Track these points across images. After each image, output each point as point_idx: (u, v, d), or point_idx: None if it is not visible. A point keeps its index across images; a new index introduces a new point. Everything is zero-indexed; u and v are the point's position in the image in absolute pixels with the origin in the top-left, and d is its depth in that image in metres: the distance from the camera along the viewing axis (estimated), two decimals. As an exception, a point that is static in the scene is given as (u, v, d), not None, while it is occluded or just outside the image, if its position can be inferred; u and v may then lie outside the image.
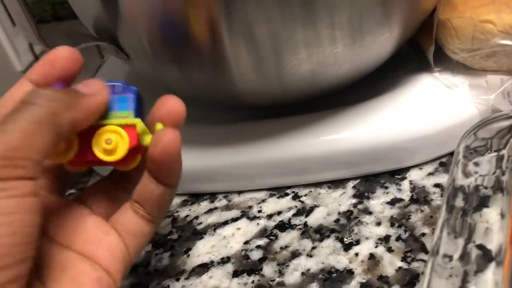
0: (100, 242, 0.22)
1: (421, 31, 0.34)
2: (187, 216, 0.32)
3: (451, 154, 0.32)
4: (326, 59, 0.28)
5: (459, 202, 0.25)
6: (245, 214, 0.31)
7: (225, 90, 0.31)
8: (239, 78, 0.29)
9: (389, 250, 0.27)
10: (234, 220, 0.31)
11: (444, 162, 0.31)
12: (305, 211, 0.30)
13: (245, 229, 0.30)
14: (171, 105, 0.23)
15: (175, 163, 0.22)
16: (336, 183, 0.32)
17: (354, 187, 0.31)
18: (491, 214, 0.24)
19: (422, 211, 0.28)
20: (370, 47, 0.29)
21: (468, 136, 0.26)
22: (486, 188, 0.24)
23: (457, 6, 0.32)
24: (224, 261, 0.28)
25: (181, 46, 0.28)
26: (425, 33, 0.34)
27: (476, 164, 0.26)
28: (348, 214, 0.29)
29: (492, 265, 0.21)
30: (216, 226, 0.30)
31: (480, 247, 0.22)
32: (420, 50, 0.35)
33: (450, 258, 0.22)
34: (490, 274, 0.21)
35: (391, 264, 0.26)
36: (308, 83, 0.30)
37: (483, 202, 0.24)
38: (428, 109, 0.31)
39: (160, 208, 0.23)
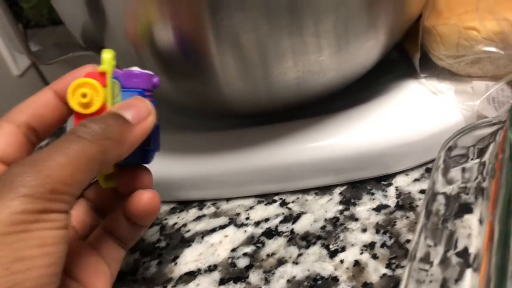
0: (97, 271, 0.23)
1: (407, 38, 0.34)
2: (175, 223, 0.32)
3: (437, 160, 0.32)
4: (312, 67, 0.28)
5: (439, 208, 0.25)
6: (233, 221, 0.31)
7: (213, 98, 0.31)
8: (226, 86, 0.29)
9: (374, 257, 0.27)
10: (222, 227, 0.31)
11: (430, 168, 0.32)
12: (292, 218, 0.30)
13: (232, 237, 0.30)
14: (146, 202, 0.24)
15: (154, 215, 0.24)
16: (323, 190, 0.32)
17: (341, 193, 0.31)
18: (472, 221, 0.24)
19: (408, 217, 0.29)
20: (355, 54, 0.29)
21: (449, 143, 0.26)
22: (467, 194, 0.25)
23: (442, 13, 0.32)
24: (211, 269, 0.28)
25: (168, 55, 0.28)
26: (411, 40, 0.34)
27: (458, 171, 0.26)
28: (334, 221, 0.29)
29: (470, 270, 0.22)
30: (204, 234, 0.31)
31: (460, 253, 0.23)
32: (407, 56, 0.36)
33: (431, 264, 0.23)
34: (468, 279, 0.22)
35: (375, 271, 0.26)
36: (294, 91, 0.30)
37: (464, 209, 0.24)
38: (414, 115, 0.31)
39: (131, 239, 0.25)
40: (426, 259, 0.23)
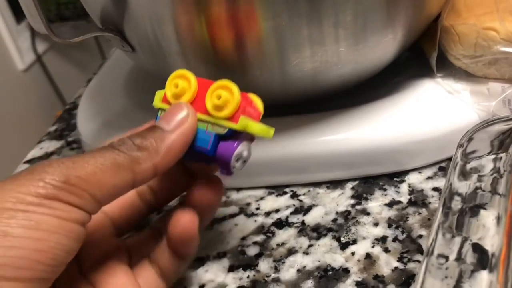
0: None
1: (424, 37, 0.34)
2: (185, 210, 0.32)
3: (450, 159, 0.32)
4: (330, 58, 0.28)
5: (456, 204, 0.25)
6: (243, 211, 0.31)
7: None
8: (241, 73, 0.29)
9: (386, 250, 0.27)
10: (232, 216, 0.31)
11: (444, 167, 0.31)
12: (303, 209, 0.30)
13: (242, 226, 0.30)
14: (184, 224, 0.23)
15: (192, 242, 0.23)
16: (335, 184, 0.32)
17: (352, 188, 0.31)
18: (488, 218, 0.24)
19: (420, 213, 0.28)
20: (373, 48, 0.29)
21: (466, 139, 0.26)
22: (483, 190, 0.25)
23: (461, 13, 0.32)
24: (220, 255, 0.28)
25: (186, 39, 0.28)
26: (428, 39, 0.34)
27: (474, 166, 0.26)
28: (345, 214, 0.29)
29: (488, 265, 0.22)
30: (214, 222, 0.30)
31: (476, 246, 0.22)
32: (421, 56, 0.36)
33: (446, 258, 0.22)
34: (485, 274, 0.21)
35: (387, 264, 0.26)
36: (310, 82, 0.30)
37: (481, 205, 0.24)
38: (429, 113, 0.31)
39: (173, 273, 0.24)
40: (442, 255, 0.23)
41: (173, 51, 0.30)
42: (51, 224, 0.18)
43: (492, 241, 0.23)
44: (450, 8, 0.33)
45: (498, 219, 0.24)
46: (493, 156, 0.25)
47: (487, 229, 0.23)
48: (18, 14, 1.81)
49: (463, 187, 0.25)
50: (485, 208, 0.24)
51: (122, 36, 0.30)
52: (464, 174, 0.25)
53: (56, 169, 0.19)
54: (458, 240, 0.23)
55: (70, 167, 0.19)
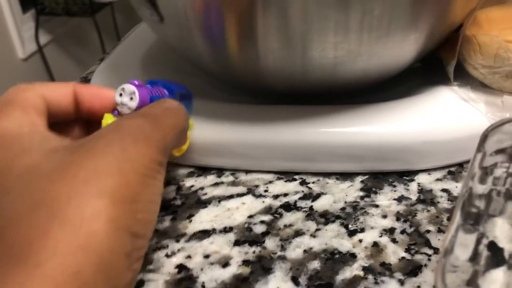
0: None
1: (443, 46, 0.35)
2: (192, 186, 0.31)
3: (460, 165, 0.32)
4: (353, 48, 0.29)
5: (473, 208, 0.25)
6: (251, 191, 0.31)
7: (249, 67, 0.31)
8: (264, 54, 0.30)
9: (393, 241, 0.27)
10: (240, 195, 0.30)
11: (453, 171, 0.32)
12: (312, 196, 0.30)
13: (250, 205, 0.30)
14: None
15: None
16: (345, 176, 0.32)
17: (362, 181, 0.31)
18: (504, 225, 0.24)
19: (429, 210, 0.28)
20: (396, 45, 0.30)
21: (490, 134, 0.26)
22: (499, 193, 0.25)
23: (482, 25, 0.33)
24: (226, 230, 0.28)
25: (214, 14, 0.29)
26: (447, 48, 0.35)
27: (491, 169, 0.26)
28: (354, 205, 0.29)
29: (504, 267, 0.22)
30: (221, 199, 0.30)
31: (492, 246, 0.22)
32: (437, 65, 0.36)
33: (461, 256, 0.22)
34: (501, 272, 0.21)
35: (394, 253, 0.26)
36: (331, 72, 0.31)
37: (497, 208, 0.24)
38: (443, 117, 0.32)
39: None
40: (460, 254, 0.23)
41: (199, 27, 0.30)
42: (161, 188, 0.22)
43: (508, 240, 0.23)
44: (472, 21, 0.34)
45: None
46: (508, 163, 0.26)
47: (502, 231, 0.23)
48: (25, 3, 1.81)
49: (480, 189, 0.25)
50: (500, 214, 0.24)
51: (152, 4, 0.30)
52: (483, 176, 0.26)
53: (159, 134, 0.22)
54: (473, 238, 0.23)
55: (165, 133, 0.23)
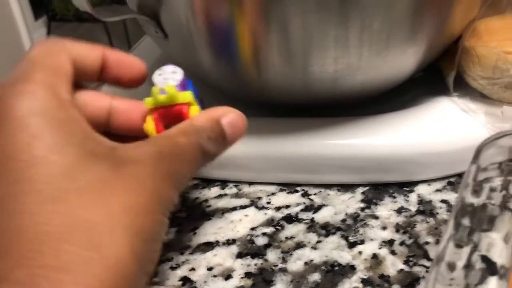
0: None
1: (443, 57, 0.35)
2: (197, 198, 0.32)
3: (459, 175, 0.33)
4: (353, 62, 0.29)
5: (466, 220, 0.25)
6: (254, 203, 0.31)
7: (252, 82, 0.32)
8: (266, 70, 0.30)
9: (392, 252, 0.27)
10: (243, 207, 0.31)
11: (453, 182, 0.32)
12: (313, 208, 0.31)
13: (252, 217, 0.30)
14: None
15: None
16: (346, 187, 0.32)
17: (363, 193, 0.32)
18: (497, 237, 0.24)
19: (428, 222, 0.29)
20: (396, 58, 0.31)
21: (480, 151, 0.27)
22: (493, 205, 0.25)
23: (482, 36, 0.33)
24: (229, 242, 0.29)
25: (216, 31, 0.29)
26: (447, 59, 0.35)
27: (486, 181, 0.26)
28: (355, 216, 0.30)
29: (497, 273, 0.22)
30: (225, 211, 0.31)
31: (485, 259, 0.23)
32: (437, 76, 0.37)
33: (453, 268, 0.23)
34: (493, 283, 0.22)
35: (393, 265, 0.26)
36: (332, 85, 0.31)
37: (491, 222, 0.25)
38: (442, 128, 0.32)
39: None
40: (451, 264, 0.23)
41: (202, 42, 0.31)
42: None
43: (500, 254, 0.23)
44: (472, 31, 0.34)
45: (507, 235, 0.24)
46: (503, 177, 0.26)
47: (495, 244, 0.24)
48: (37, 10, 1.84)
49: (475, 201, 0.26)
50: (494, 226, 0.24)
51: (156, 21, 0.31)
52: (476, 190, 0.26)
53: None
54: (466, 250, 0.24)
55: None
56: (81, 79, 0.24)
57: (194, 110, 0.25)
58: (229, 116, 0.24)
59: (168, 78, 0.25)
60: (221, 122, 0.24)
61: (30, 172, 0.18)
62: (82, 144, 0.19)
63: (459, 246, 0.24)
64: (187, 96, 0.25)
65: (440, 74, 0.37)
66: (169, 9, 0.30)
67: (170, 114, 0.25)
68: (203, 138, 0.23)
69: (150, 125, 0.24)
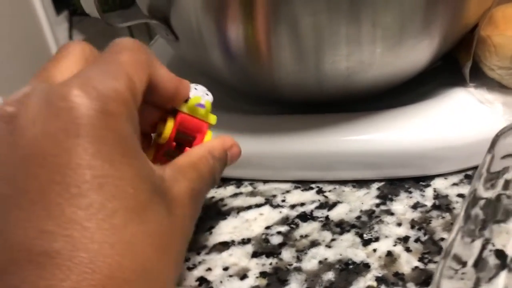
0: None
1: (459, 46, 0.35)
2: (213, 197, 0.33)
3: (476, 168, 0.32)
4: (365, 58, 0.29)
5: (478, 212, 0.25)
6: (269, 201, 0.32)
7: (264, 81, 0.32)
8: (278, 69, 0.30)
9: (407, 250, 0.27)
10: (258, 206, 0.32)
11: (470, 175, 0.32)
12: (328, 205, 0.31)
13: (267, 215, 0.31)
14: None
15: None
16: (361, 183, 0.32)
17: (378, 188, 0.32)
18: (510, 226, 0.24)
19: (444, 217, 0.29)
20: (409, 52, 0.30)
21: (495, 142, 0.26)
22: (509, 197, 0.25)
23: (499, 24, 0.33)
24: (244, 241, 0.29)
25: (226, 32, 0.30)
26: (463, 49, 0.34)
27: (501, 174, 0.26)
28: (370, 213, 0.30)
29: (505, 271, 0.22)
30: (240, 210, 0.31)
31: (498, 253, 0.23)
32: (453, 65, 0.36)
33: (464, 264, 0.23)
34: (503, 278, 0.22)
35: (407, 263, 0.26)
36: (344, 82, 0.31)
37: (504, 214, 0.24)
38: (459, 120, 0.32)
39: None
40: (460, 258, 0.23)
41: (213, 43, 0.31)
42: None
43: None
44: (488, 19, 0.33)
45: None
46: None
47: (509, 236, 0.24)
48: (59, 5, 1.86)
49: (488, 193, 0.26)
50: (508, 219, 0.24)
51: (167, 25, 0.31)
52: (490, 180, 0.26)
53: None
54: (478, 244, 0.23)
55: None
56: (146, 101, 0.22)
57: (209, 135, 0.26)
58: (233, 149, 0.26)
59: (206, 95, 0.26)
60: (227, 153, 0.25)
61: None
62: (148, 177, 0.18)
63: (470, 239, 0.24)
64: (214, 119, 0.27)
65: (458, 64, 0.36)
66: (179, 12, 0.30)
67: (190, 125, 0.25)
68: (217, 165, 0.24)
69: (168, 127, 0.24)
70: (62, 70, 0.19)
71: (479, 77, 0.34)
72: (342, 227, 0.29)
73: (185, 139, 0.26)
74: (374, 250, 0.27)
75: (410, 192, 0.31)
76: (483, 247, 0.23)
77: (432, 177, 0.32)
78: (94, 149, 0.16)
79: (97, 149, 0.16)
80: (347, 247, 0.28)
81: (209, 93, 0.26)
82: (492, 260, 0.23)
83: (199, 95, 0.25)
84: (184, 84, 0.24)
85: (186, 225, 0.20)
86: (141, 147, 0.19)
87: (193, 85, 0.26)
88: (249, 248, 0.28)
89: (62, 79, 0.18)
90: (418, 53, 0.31)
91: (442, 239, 0.27)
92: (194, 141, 0.26)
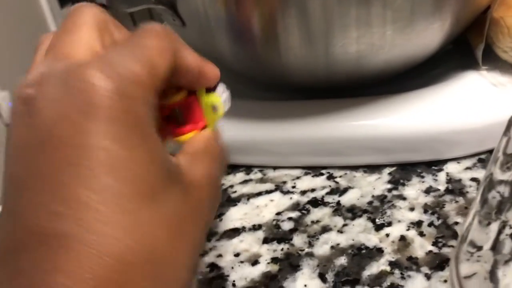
0: None
1: (471, 29, 0.34)
2: (222, 184, 0.32)
3: (490, 152, 0.32)
4: (376, 41, 0.29)
5: (495, 195, 0.25)
6: (279, 188, 0.31)
7: (272, 65, 0.32)
8: (287, 52, 0.30)
9: (421, 234, 0.27)
10: (268, 192, 0.31)
11: (483, 159, 0.31)
12: (339, 191, 0.30)
13: (278, 202, 0.30)
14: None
15: None
16: (372, 168, 0.32)
17: (390, 173, 0.31)
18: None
19: (457, 201, 0.28)
20: (420, 34, 0.29)
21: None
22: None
23: (511, 5, 0.32)
24: (255, 228, 0.29)
25: (234, 17, 0.29)
26: (475, 31, 0.34)
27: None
28: (381, 198, 0.29)
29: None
30: (250, 196, 0.31)
31: (514, 237, 0.22)
32: (466, 48, 0.35)
33: (480, 248, 0.22)
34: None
35: (421, 247, 0.26)
36: (354, 66, 0.31)
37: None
38: (471, 104, 0.31)
39: None
40: (476, 242, 0.23)
41: (221, 27, 0.30)
42: None
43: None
44: (500, 0, 0.33)
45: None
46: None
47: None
48: (62, -2, 1.86)
49: (505, 176, 0.25)
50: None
51: (174, 10, 0.31)
52: (507, 163, 0.25)
53: None
54: (495, 227, 0.23)
55: None
56: (171, 84, 0.21)
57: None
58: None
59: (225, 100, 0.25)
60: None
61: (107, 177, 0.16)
62: (164, 162, 0.18)
63: (486, 223, 0.23)
64: (213, 124, 0.24)
65: (469, 47, 0.35)
66: (186, -3, 0.30)
67: (193, 112, 0.23)
68: (225, 151, 0.23)
69: (180, 94, 0.23)
70: (76, 45, 0.18)
71: (492, 60, 0.33)
72: (353, 212, 0.29)
73: (175, 118, 0.24)
74: (387, 235, 0.27)
75: (423, 177, 0.31)
76: (500, 230, 0.23)
77: (445, 162, 0.31)
78: (110, 132, 0.16)
79: (113, 132, 0.16)
80: (359, 232, 0.27)
81: (229, 103, 0.25)
82: (509, 243, 0.22)
83: (222, 98, 0.24)
84: (207, 67, 0.23)
85: (205, 211, 0.19)
86: (158, 133, 0.18)
87: (223, 85, 0.24)
88: (260, 234, 0.28)
89: (78, 56, 0.18)
90: (429, 35, 0.30)
91: (456, 223, 0.27)
92: (180, 128, 0.24)
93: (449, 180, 0.30)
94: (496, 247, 0.22)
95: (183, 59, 0.21)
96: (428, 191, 0.29)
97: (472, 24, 0.33)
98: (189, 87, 0.23)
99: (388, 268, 0.25)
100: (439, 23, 0.30)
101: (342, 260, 0.26)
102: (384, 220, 0.28)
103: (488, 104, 0.31)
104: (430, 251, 0.26)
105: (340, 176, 0.32)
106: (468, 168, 0.31)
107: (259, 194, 0.31)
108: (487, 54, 0.33)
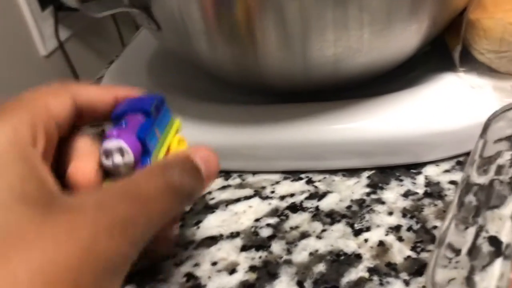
0: None
1: (448, 30, 0.34)
2: (200, 190, 0.32)
3: (468, 154, 0.32)
4: (353, 44, 0.28)
5: (471, 198, 0.24)
6: (258, 193, 0.31)
7: (250, 69, 0.31)
8: (264, 56, 0.30)
9: (399, 239, 0.26)
10: (247, 198, 0.31)
11: (461, 161, 0.31)
12: (318, 195, 0.30)
13: (256, 208, 0.30)
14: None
15: None
16: (351, 172, 0.32)
17: (368, 177, 0.31)
18: (504, 212, 0.23)
19: (436, 205, 0.28)
20: (397, 37, 0.29)
21: (488, 126, 0.26)
22: (502, 182, 0.24)
23: (487, 7, 0.32)
24: (233, 235, 0.28)
25: (210, 19, 0.29)
26: (452, 32, 0.34)
27: (494, 159, 0.26)
28: (360, 202, 0.29)
29: (500, 259, 0.21)
30: (228, 203, 0.31)
31: (492, 240, 0.22)
32: (443, 50, 0.35)
33: (458, 252, 0.22)
34: (498, 266, 0.21)
35: (400, 252, 0.26)
36: (332, 68, 0.30)
37: (497, 200, 0.24)
38: (449, 106, 0.31)
39: None
40: (454, 247, 0.22)
41: (197, 30, 0.30)
42: None
43: (508, 233, 0.23)
44: (477, 2, 0.33)
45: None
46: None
47: (503, 222, 0.23)
48: (43, 1, 1.83)
49: (481, 179, 0.25)
50: (501, 205, 0.24)
51: (148, 14, 0.30)
52: (483, 165, 0.25)
53: None
54: (472, 231, 0.23)
55: None
56: (92, 119, 0.24)
57: (183, 144, 0.26)
58: (200, 152, 0.22)
59: (119, 165, 0.21)
60: (192, 157, 0.21)
61: None
62: (14, 186, 0.17)
63: (463, 227, 0.23)
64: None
65: (447, 49, 0.35)
66: (160, 1, 0.29)
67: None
68: (175, 174, 0.20)
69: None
70: None
71: (469, 62, 0.33)
72: (332, 217, 0.28)
73: None
74: (366, 240, 0.27)
75: (401, 180, 0.30)
76: (477, 234, 0.23)
77: (423, 164, 0.31)
78: None
79: None
80: (338, 237, 0.27)
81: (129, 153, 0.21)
82: (486, 247, 0.22)
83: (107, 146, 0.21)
84: (121, 91, 0.24)
85: (85, 235, 0.16)
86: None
87: (101, 152, 0.21)
88: (238, 242, 0.28)
89: None
90: (406, 38, 0.30)
91: (435, 227, 0.27)
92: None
93: (428, 183, 0.30)
94: (472, 252, 0.22)
95: (86, 92, 0.23)
96: (406, 194, 0.29)
97: (450, 26, 0.33)
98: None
99: (366, 275, 0.25)
100: (416, 25, 0.30)
101: (320, 267, 0.25)
102: (362, 225, 0.28)
103: (466, 106, 0.31)
104: (409, 256, 0.25)
105: (319, 181, 0.31)
106: (446, 171, 0.31)
107: (237, 200, 0.31)
108: (464, 56, 0.33)
